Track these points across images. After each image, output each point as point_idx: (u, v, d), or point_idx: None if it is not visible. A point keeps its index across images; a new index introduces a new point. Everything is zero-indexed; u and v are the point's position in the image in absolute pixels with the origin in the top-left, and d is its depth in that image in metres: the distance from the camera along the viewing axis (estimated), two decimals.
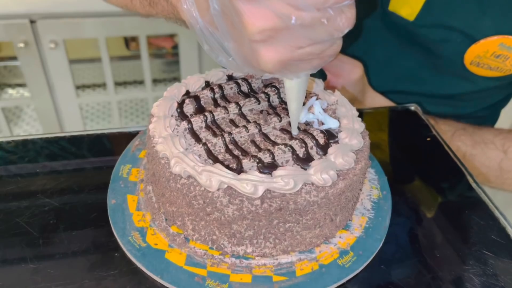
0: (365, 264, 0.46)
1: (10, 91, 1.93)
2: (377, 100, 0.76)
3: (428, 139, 0.65)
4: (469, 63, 0.66)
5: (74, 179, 0.54)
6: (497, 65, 0.64)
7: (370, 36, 0.74)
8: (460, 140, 0.72)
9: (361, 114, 0.53)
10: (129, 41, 1.99)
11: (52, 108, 1.57)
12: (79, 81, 1.92)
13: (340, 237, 0.48)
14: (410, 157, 0.63)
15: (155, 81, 1.95)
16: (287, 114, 0.50)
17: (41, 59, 1.44)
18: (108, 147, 0.61)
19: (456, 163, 0.60)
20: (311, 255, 0.46)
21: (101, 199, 0.51)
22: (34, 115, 1.96)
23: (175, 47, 1.99)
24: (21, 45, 1.38)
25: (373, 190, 0.54)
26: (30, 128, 1.95)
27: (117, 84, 1.88)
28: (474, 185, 0.57)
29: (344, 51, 0.71)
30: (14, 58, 1.55)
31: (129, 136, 0.60)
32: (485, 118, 0.83)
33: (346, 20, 0.33)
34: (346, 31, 0.35)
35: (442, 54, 0.67)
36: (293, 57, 0.36)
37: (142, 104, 2.05)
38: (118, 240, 0.46)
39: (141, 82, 1.99)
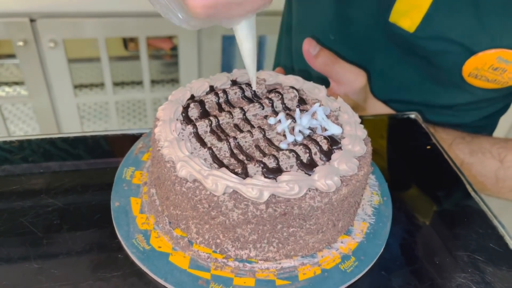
0: (366, 269, 0.46)
1: (7, 89, 1.93)
2: (378, 108, 0.76)
3: (428, 147, 0.66)
4: (467, 75, 0.67)
5: (77, 180, 0.54)
6: (495, 77, 0.65)
7: (371, 46, 0.75)
8: (458, 149, 0.73)
9: (362, 121, 0.53)
10: (127, 41, 1.99)
11: (50, 107, 1.57)
12: (76, 80, 1.92)
13: (341, 242, 0.49)
14: (410, 164, 0.64)
15: (153, 82, 1.96)
16: (291, 119, 0.51)
17: (40, 58, 1.44)
18: (111, 149, 0.61)
19: (455, 171, 0.61)
20: (313, 259, 0.47)
21: (104, 200, 0.51)
22: (31, 114, 1.96)
23: (174, 48, 1.99)
24: (20, 43, 1.38)
25: (373, 196, 0.55)
26: (26, 126, 1.94)
27: (115, 84, 1.88)
28: (473, 193, 0.58)
29: (346, 59, 0.72)
30: (12, 56, 1.55)
31: (132, 138, 0.60)
32: (484, 127, 0.84)
33: None
34: None
35: (441, 65, 0.69)
36: (217, 0, 0.37)
37: (140, 105, 2.06)
38: (122, 242, 0.47)
39: (139, 83, 1.99)
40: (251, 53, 0.48)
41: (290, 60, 0.92)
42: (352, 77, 0.70)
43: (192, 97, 0.54)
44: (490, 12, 0.61)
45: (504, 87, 0.67)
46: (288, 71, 0.91)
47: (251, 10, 0.41)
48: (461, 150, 0.73)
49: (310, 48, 0.70)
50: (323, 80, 0.73)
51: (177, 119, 0.50)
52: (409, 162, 0.64)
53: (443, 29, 0.64)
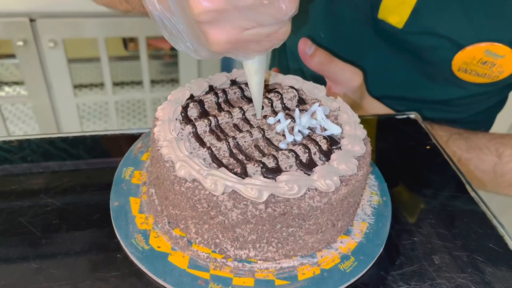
0: (365, 269, 0.46)
1: (7, 89, 1.92)
2: (375, 106, 0.76)
3: (428, 147, 0.66)
4: (457, 70, 0.67)
5: (76, 180, 0.54)
6: (484, 71, 0.66)
7: (363, 43, 0.75)
8: (455, 145, 0.73)
9: (361, 120, 0.53)
10: (127, 41, 1.99)
11: (49, 107, 1.57)
12: (76, 80, 1.92)
13: (341, 242, 0.49)
14: (410, 164, 0.64)
15: (153, 82, 1.95)
16: (291, 119, 0.51)
17: (40, 58, 1.44)
18: (110, 148, 0.61)
19: (455, 171, 0.61)
20: (312, 259, 0.47)
21: (103, 200, 0.51)
22: (31, 114, 1.95)
23: (173, 48, 1.99)
24: (20, 43, 1.38)
25: (373, 196, 0.55)
26: (26, 126, 1.94)
27: (115, 84, 1.88)
28: (472, 194, 0.58)
29: (339, 56, 0.72)
30: (12, 56, 1.55)
31: (132, 138, 0.60)
32: (480, 123, 0.85)
33: (289, 2, 0.35)
34: (290, 14, 0.36)
35: (431, 60, 0.69)
36: (240, 38, 0.38)
37: (139, 105, 2.05)
38: (121, 242, 0.47)
39: (138, 83, 1.99)
40: (259, 86, 0.48)
41: (285, 59, 0.92)
42: (348, 76, 0.70)
43: (192, 97, 0.54)
44: (477, 6, 0.62)
45: (495, 81, 0.67)
46: (284, 70, 0.91)
47: (268, 48, 0.42)
48: (458, 147, 0.73)
49: (305, 48, 0.70)
50: (318, 79, 0.73)
51: (176, 119, 0.50)
52: (409, 162, 0.64)
53: (431, 24, 0.65)
